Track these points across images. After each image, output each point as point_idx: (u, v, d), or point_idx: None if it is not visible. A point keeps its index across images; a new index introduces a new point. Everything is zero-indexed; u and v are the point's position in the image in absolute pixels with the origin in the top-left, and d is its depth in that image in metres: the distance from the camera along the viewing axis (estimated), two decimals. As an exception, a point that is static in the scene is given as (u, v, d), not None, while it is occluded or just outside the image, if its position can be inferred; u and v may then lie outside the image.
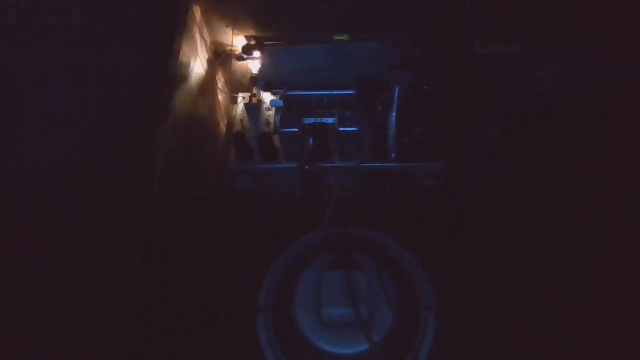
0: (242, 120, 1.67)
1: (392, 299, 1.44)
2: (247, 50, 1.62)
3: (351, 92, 1.66)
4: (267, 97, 1.69)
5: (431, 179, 1.65)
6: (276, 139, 1.61)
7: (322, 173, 1.64)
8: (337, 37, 1.61)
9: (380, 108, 1.56)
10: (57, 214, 1.06)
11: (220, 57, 1.75)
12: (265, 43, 1.64)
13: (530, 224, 1.51)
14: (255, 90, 1.66)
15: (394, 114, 1.54)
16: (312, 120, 1.55)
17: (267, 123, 1.67)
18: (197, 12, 1.59)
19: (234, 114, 1.73)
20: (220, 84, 1.80)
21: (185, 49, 1.48)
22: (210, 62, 1.72)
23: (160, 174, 1.30)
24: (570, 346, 1.32)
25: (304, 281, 1.49)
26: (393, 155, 1.60)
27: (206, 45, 1.68)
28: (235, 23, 1.61)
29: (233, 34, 1.64)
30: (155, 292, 1.28)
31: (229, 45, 1.70)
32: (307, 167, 1.59)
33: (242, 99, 1.72)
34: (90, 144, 1.17)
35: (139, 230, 1.21)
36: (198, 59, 1.61)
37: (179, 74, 1.46)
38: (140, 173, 1.28)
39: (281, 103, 1.65)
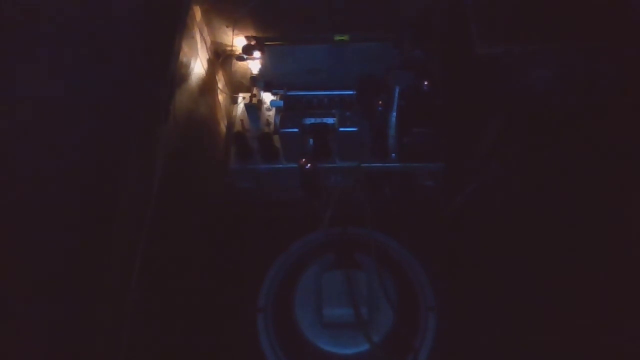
0: (242, 120, 1.67)
1: (392, 299, 1.44)
2: (247, 50, 1.62)
3: (351, 92, 1.66)
4: (267, 97, 1.69)
5: (431, 179, 1.65)
6: (276, 139, 1.61)
7: (322, 173, 1.64)
8: (337, 37, 1.61)
9: (380, 108, 1.56)
10: (57, 214, 1.06)
11: (220, 57, 1.74)
12: (265, 43, 1.64)
13: (530, 224, 1.51)
14: (255, 90, 1.66)
15: (394, 114, 1.54)
16: (312, 120, 1.55)
17: (267, 123, 1.67)
18: (197, 12, 1.59)
19: (234, 114, 1.73)
20: (220, 84, 1.80)
21: (185, 49, 1.48)
22: (210, 62, 1.71)
23: (160, 174, 1.30)
24: (571, 346, 1.32)
25: (304, 281, 1.49)
26: (393, 155, 1.60)
27: (206, 45, 1.67)
28: (235, 23, 1.61)
29: (233, 34, 1.64)
30: (156, 291, 1.28)
31: (229, 45, 1.70)
32: (307, 166, 1.59)
33: (242, 99, 1.72)
34: (90, 144, 1.17)
35: (139, 230, 1.21)
36: (198, 59, 1.61)
37: (179, 74, 1.46)
38: (140, 173, 1.28)
39: (281, 103, 1.65)
